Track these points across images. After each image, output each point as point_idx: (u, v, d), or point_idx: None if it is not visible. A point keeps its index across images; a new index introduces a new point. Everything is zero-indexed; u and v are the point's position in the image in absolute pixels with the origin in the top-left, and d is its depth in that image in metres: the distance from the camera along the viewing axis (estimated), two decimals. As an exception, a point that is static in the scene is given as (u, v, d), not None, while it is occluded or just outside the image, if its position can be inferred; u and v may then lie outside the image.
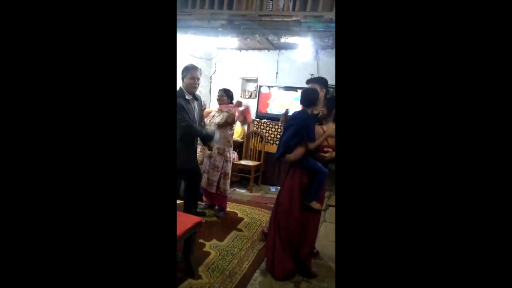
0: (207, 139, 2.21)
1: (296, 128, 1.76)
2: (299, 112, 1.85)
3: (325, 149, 1.78)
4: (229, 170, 2.66)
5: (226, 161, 2.61)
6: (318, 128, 1.79)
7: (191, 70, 2.06)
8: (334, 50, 3.90)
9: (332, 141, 1.79)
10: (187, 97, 2.07)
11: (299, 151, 1.77)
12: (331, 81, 4.02)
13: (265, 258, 1.87)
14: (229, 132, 2.63)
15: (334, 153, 1.78)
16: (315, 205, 1.79)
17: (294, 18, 2.81)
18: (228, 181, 2.67)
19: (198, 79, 2.10)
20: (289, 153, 1.78)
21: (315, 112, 1.83)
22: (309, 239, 1.84)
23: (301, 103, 1.84)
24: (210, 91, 4.67)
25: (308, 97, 1.81)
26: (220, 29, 3.11)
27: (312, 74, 4.04)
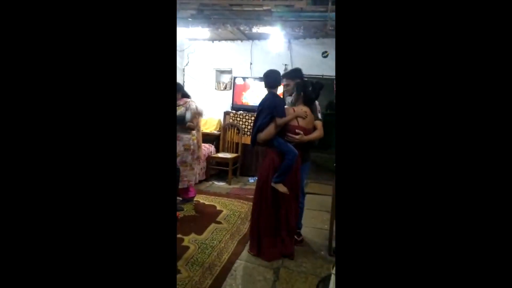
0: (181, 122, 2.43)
1: (267, 108, 1.82)
2: (266, 95, 1.91)
3: (296, 130, 1.83)
4: (191, 161, 2.70)
5: (191, 154, 2.66)
6: (289, 109, 1.88)
7: None
8: (305, 39, 3.93)
9: (302, 122, 1.86)
10: None
11: (269, 129, 1.81)
12: (304, 70, 4.09)
13: (249, 242, 1.95)
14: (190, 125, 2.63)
15: (305, 137, 1.85)
16: (282, 188, 1.79)
17: (264, 8, 2.79)
18: (193, 171, 2.74)
19: None
20: (261, 132, 1.83)
21: (290, 97, 1.96)
22: (290, 221, 1.89)
23: (266, 87, 1.92)
24: (183, 83, 4.55)
25: (270, 79, 1.89)
26: (190, 19, 3.02)
27: (286, 65, 4.06)
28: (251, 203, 2.77)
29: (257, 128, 1.84)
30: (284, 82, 2.07)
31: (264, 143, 1.86)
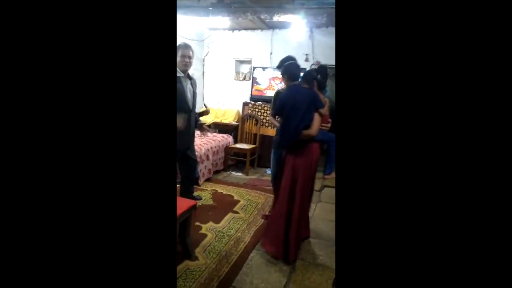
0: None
1: (306, 102, 1.68)
2: (295, 87, 1.78)
3: (328, 119, 1.83)
4: None
5: None
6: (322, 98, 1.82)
7: (182, 48, 2.06)
8: (328, 28, 3.80)
9: (325, 110, 1.84)
10: (178, 74, 2.06)
11: (317, 122, 1.69)
12: (326, 60, 3.96)
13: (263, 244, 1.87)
14: None
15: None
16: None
17: (286, -5, 2.70)
18: None
19: (190, 57, 2.07)
20: (308, 128, 1.69)
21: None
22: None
23: (291, 79, 1.82)
24: (203, 73, 4.58)
25: (296, 71, 1.81)
26: (210, 8, 2.99)
27: (307, 54, 3.96)
28: (268, 194, 2.78)
29: (305, 124, 1.68)
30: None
31: (309, 138, 1.73)
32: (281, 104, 1.77)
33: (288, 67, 1.83)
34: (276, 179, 2.16)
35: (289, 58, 2.02)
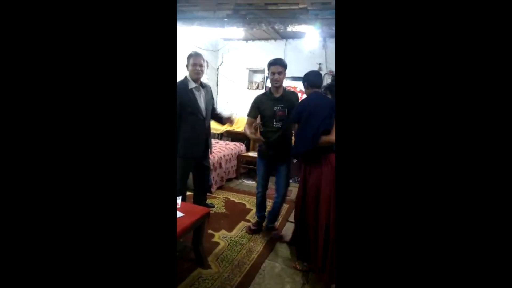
0: (224, 120, 2.36)
1: (331, 105, 1.64)
2: (315, 95, 1.75)
3: None
4: None
5: None
6: None
7: (193, 57, 2.06)
8: (342, 38, 3.81)
9: None
10: (190, 86, 2.05)
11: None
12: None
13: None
14: None
15: None
16: None
17: (300, 6, 2.74)
18: None
19: (201, 65, 2.06)
20: (327, 134, 1.62)
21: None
22: None
23: (310, 87, 1.79)
24: (217, 83, 4.65)
25: (317, 79, 1.80)
26: (226, 19, 3.07)
27: (320, 64, 3.97)
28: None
29: (325, 128, 1.62)
30: (272, 69, 1.95)
31: (328, 146, 1.65)
32: (299, 112, 1.73)
33: (308, 74, 1.82)
34: (265, 190, 2.11)
35: (278, 60, 2.00)
